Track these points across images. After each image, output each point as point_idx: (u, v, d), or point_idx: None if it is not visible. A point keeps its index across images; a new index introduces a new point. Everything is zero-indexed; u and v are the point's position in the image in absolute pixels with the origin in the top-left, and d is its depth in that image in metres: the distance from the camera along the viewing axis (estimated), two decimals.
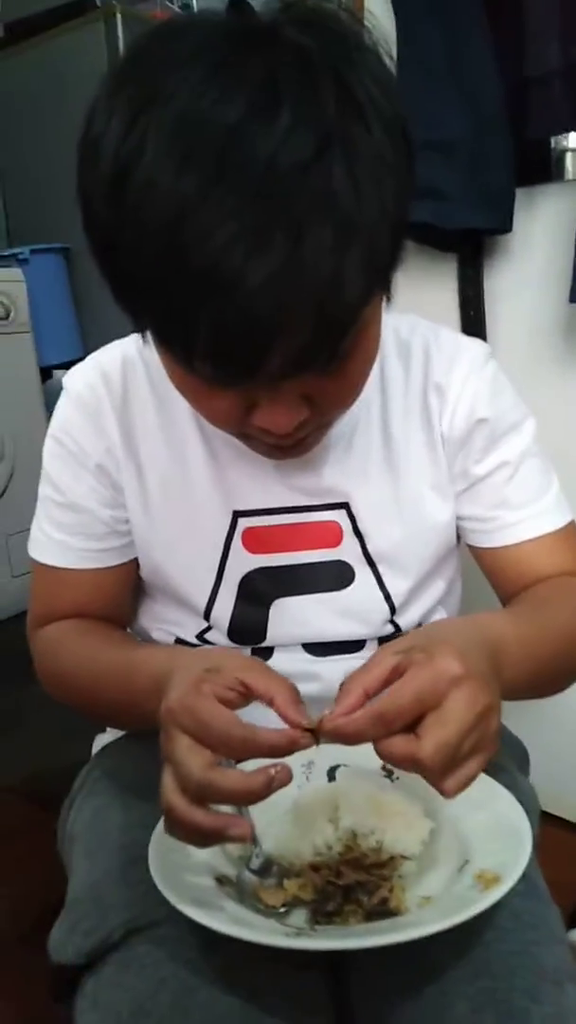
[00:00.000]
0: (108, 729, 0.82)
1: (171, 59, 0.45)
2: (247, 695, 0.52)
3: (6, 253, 2.44)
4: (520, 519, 0.72)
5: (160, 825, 0.58)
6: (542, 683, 0.67)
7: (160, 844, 0.56)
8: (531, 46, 1.14)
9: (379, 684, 0.50)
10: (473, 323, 1.26)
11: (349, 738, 0.49)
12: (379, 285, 0.50)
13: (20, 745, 1.64)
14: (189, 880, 0.55)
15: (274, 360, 0.47)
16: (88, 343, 0.74)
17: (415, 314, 0.75)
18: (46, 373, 2.36)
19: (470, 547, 0.76)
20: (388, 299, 0.55)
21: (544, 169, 1.20)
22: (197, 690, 0.50)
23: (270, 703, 0.51)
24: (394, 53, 1.15)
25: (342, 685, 0.51)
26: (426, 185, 1.13)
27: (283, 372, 0.49)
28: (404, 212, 0.49)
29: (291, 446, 0.58)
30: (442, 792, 0.49)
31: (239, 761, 0.53)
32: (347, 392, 0.57)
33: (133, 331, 0.57)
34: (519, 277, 1.23)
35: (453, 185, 1.13)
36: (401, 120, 0.48)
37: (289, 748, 0.49)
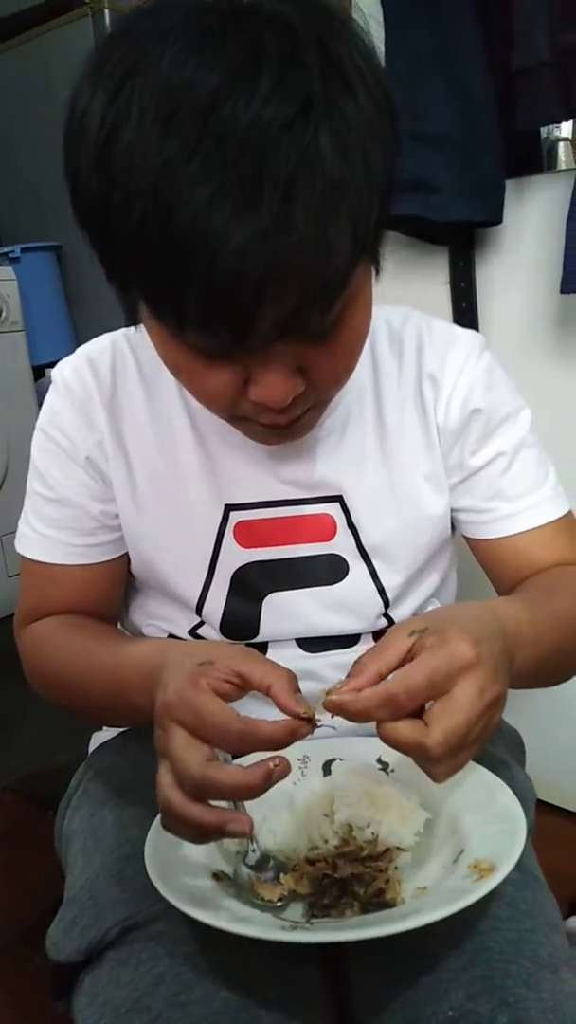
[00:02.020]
0: (105, 727, 0.82)
1: (154, 32, 0.46)
2: (243, 686, 0.52)
3: None
4: (516, 510, 0.71)
5: (156, 822, 0.58)
6: (548, 672, 0.67)
7: (156, 841, 0.56)
8: (520, 37, 1.13)
9: (394, 666, 0.50)
10: (465, 315, 1.26)
11: (354, 716, 0.49)
12: (367, 251, 0.50)
13: (18, 744, 1.65)
14: (185, 876, 0.55)
15: (264, 322, 0.47)
16: (81, 341, 0.74)
17: (407, 307, 0.75)
18: (39, 372, 2.36)
19: (467, 539, 0.76)
20: (377, 271, 0.55)
21: (534, 160, 1.20)
22: (194, 684, 0.50)
23: (267, 692, 0.51)
24: (382, 45, 1.15)
25: (356, 663, 0.51)
26: (416, 178, 1.13)
27: (274, 335, 0.49)
28: (390, 180, 0.49)
29: (286, 427, 0.58)
30: (432, 778, 0.49)
31: (235, 756, 0.53)
32: (341, 366, 0.57)
33: (124, 313, 0.57)
34: (510, 268, 1.23)
35: (443, 177, 1.13)
36: (386, 89, 0.49)
37: (289, 740, 0.49)
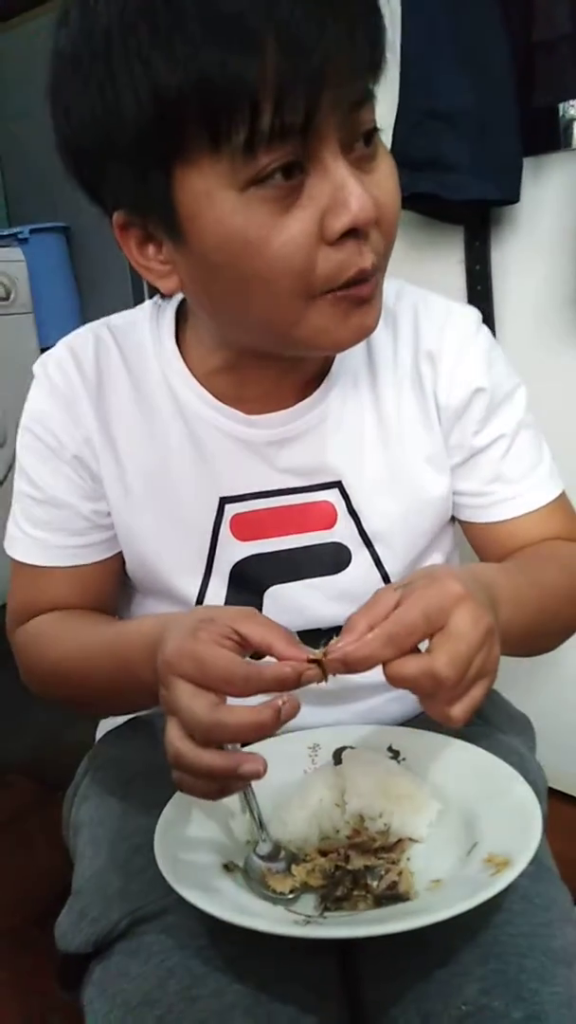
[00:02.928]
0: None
1: None
2: (243, 644, 0.51)
3: (6, 233, 2.42)
4: (515, 494, 0.71)
5: (165, 812, 0.57)
6: (532, 638, 0.68)
7: (165, 831, 0.56)
8: (539, 10, 1.10)
9: (383, 619, 0.50)
10: (480, 296, 1.24)
11: (359, 663, 0.48)
12: (383, 58, 0.53)
13: (27, 727, 1.65)
14: (196, 868, 0.54)
15: (328, 105, 0.49)
16: (89, 322, 0.74)
17: (400, 279, 0.72)
18: None
19: (460, 521, 0.75)
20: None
21: (552, 138, 1.17)
22: (194, 637, 0.50)
23: (268, 651, 0.50)
24: (399, 20, 1.13)
25: (347, 621, 0.51)
26: (432, 155, 1.11)
27: (335, 124, 0.50)
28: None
29: (371, 281, 0.55)
30: (450, 720, 0.49)
31: None
32: (390, 198, 0.55)
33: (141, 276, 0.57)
34: (527, 248, 1.21)
35: (459, 155, 1.11)
36: None
37: (297, 680, 0.49)
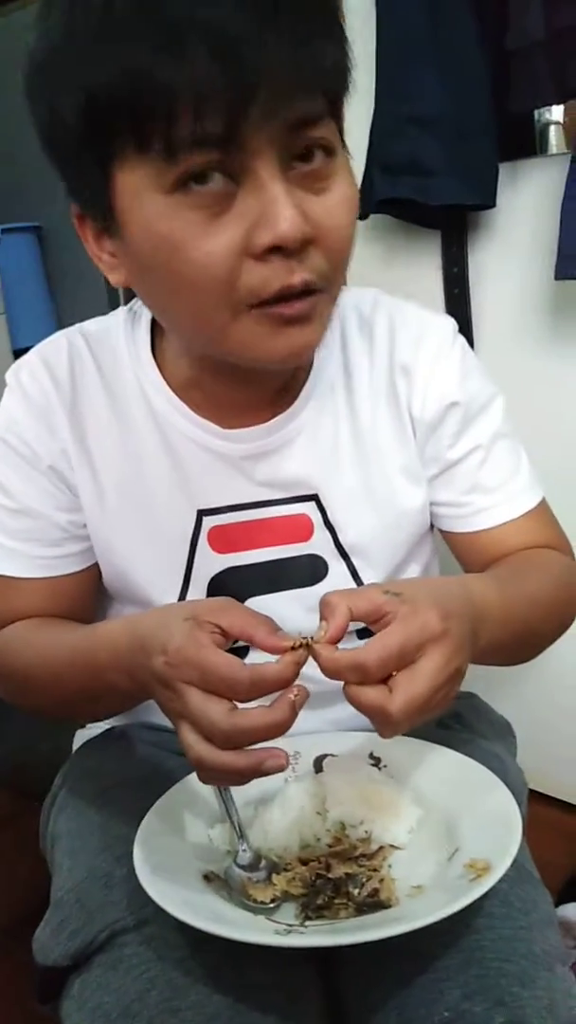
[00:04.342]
0: (88, 725, 0.80)
1: None
2: (224, 635, 0.51)
3: None
4: (494, 503, 0.71)
5: (144, 824, 0.57)
6: (517, 648, 0.68)
7: (145, 843, 0.55)
8: (514, 18, 1.11)
9: (361, 609, 0.50)
10: (457, 300, 1.25)
11: (325, 673, 0.49)
12: (342, 81, 0.53)
13: (3, 736, 1.63)
14: (175, 879, 0.54)
15: (256, 109, 0.48)
16: (62, 324, 0.73)
17: (400, 293, 0.73)
18: (20, 356, 2.31)
19: (441, 531, 0.75)
20: (341, 138, 0.55)
21: (528, 143, 1.18)
22: (195, 640, 0.50)
23: (249, 641, 0.51)
24: (374, 26, 1.13)
25: (324, 599, 0.51)
26: (409, 160, 1.11)
27: (267, 132, 0.49)
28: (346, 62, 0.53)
29: (301, 299, 0.53)
30: (380, 735, 0.50)
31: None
32: (338, 221, 0.54)
33: (71, 199, 0.57)
34: (504, 253, 1.22)
35: (436, 160, 1.11)
36: None
37: (296, 673, 0.49)
